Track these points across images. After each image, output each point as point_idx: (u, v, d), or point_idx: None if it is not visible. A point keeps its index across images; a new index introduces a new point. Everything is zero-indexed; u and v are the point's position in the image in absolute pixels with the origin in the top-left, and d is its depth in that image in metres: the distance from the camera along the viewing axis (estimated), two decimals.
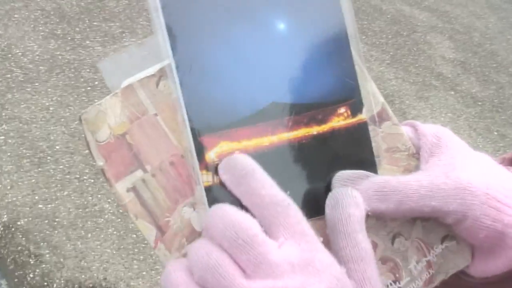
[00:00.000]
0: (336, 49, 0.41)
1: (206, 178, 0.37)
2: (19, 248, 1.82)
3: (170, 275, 0.34)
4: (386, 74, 3.41)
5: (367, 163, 0.41)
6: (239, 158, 0.36)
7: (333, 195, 0.38)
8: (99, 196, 2.07)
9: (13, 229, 1.87)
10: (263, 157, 0.37)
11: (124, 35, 2.86)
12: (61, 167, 2.12)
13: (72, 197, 2.04)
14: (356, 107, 0.41)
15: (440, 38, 3.93)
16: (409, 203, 0.38)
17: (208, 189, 0.37)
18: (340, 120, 0.40)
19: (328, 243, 0.37)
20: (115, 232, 1.98)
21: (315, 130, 0.40)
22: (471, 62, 3.78)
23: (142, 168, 0.38)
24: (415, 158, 0.42)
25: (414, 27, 3.95)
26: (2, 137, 2.15)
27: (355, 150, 0.41)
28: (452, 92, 3.44)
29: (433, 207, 0.38)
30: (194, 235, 0.38)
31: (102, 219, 2.01)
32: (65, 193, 2.04)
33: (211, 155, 0.37)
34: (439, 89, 3.43)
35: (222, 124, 0.38)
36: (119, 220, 2.02)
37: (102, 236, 1.95)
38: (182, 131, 0.38)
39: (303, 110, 0.40)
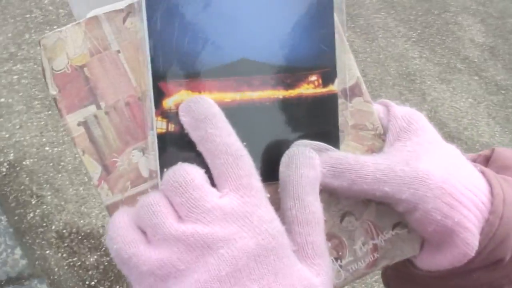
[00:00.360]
0: (317, 13, 0.39)
1: (161, 125, 0.36)
2: (22, 187, 1.84)
3: (114, 218, 0.35)
4: (410, 52, 3.34)
5: (330, 136, 0.39)
6: (201, 101, 0.35)
7: (289, 153, 0.37)
8: None
9: (18, 168, 1.90)
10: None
11: None
12: None
13: None
14: (328, 77, 0.39)
15: (472, 21, 3.83)
16: (362, 184, 0.37)
17: (160, 137, 0.36)
18: (309, 87, 0.39)
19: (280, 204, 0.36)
20: None
21: (281, 93, 0.38)
22: (500, 48, 3.68)
23: (96, 104, 0.37)
24: (381, 139, 0.41)
25: (446, 6, 3.85)
26: (16, 77, 2.16)
27: (320, 120, 0.39)
28: (476, 78, 3.37)
29: (386, 193, 0.37)
30: (139, 179, 0.37)
31: None
32: None
33: (168, 102, 0.36)
34: (463, 72, 3.36)
35: (185, 72, 0.36)
36: None
37: None
38: (143, 73, 0.37)
39: (273, 71, 0.38)
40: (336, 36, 0.39)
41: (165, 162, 0.36)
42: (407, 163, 0.38)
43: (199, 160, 0.35)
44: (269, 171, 0.37)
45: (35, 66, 2.22)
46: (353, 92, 0.40)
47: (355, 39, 3.22)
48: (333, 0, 0.39)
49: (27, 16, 2.40)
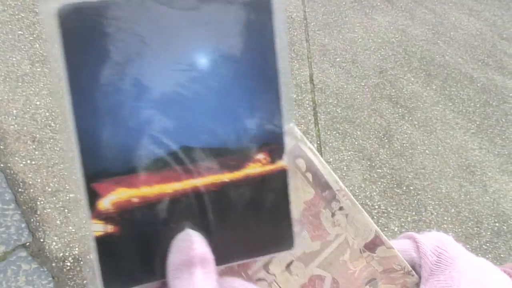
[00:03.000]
0: (260, 89, 0.37)
1: (97, 228, 0.34)
2: (85, 281, 1.90)
3: None
4: (470, 143, 3.31)
5: (281, 212, 0.38)
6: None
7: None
8: None
9: (82, 262, 1.97)
10: (164, 205, 0.35)
11: None
12: None
13: None
14: (276, 153, 0.37)
15: None
16: None
17: (99, 240, 0.34)
18: (256, 167, 0.37)
19: None
20: None
21: (226, 177, 0.36)
22: None
23: None
24: (411, 274, 0.44)
25: (504, 97, 3.83)
26: None
27: (270, 198, 0.37)
28: None
29: None
30: None
31: None
32: None
33: (104, 203, 0.34)
34: None
35: (120, 169, 0.34)
36: None
37: None
38: (73, 177, 0.34)
39: (216, 155, 0.36)
40: (346, 199, 0.42)
41: (106, 265, 0.34)
42: None
43: (142, 260, 0.35)
44: (222, 256, 0.36)
45: None
46: (374, 244, 0.43)
47: (413, 131, 3.23)
48: (278, 73, 0.37)
49: None
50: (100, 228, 0.34)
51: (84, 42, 0.33)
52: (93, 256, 0.34)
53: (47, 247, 1.99)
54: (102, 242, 0.34)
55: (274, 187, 0.37)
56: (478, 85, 3.87)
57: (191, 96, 0.35)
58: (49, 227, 2.06)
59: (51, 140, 2.37)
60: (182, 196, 0.35)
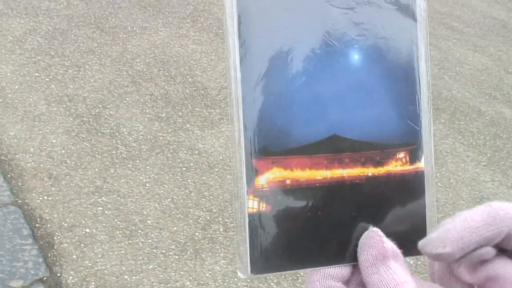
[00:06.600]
0: (404, 89, 0.39)
1: (252, 204, 0.36)
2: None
3: None
4: (482, 176, 3.31)
5: (417, 215, 0.39)
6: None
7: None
8: (182, 273, 2.14)
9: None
10: (314, 191, 0.37)
11: (222, 121, 3.04)
12: (149, 241, 2.23)
13: (156, 271, 2.12)
14: (415, 154, 0.39)
15: None
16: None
17: (252, 217, 0.36)
18: (397, 165, 0.39)
19: None
20: None
21: (370, 171, 0.38)
22: None
23: None
24: None
25: None
26: (100, 208, 2.31)
27: (407, 199, 0.39)
28: None
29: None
30: None
31: None
32: (150, 266, 2.13)
33: (261, 180, 0.36)
34: None
35: (278, 149, 0.36)
36: None
37: None
38: (235, 151, 0.36)
39: (362, 148, 0.38)
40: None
41: (255, 242, 0.36)
42: None
43: (289, 241, 0.36)
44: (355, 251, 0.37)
45: (118, 198, 2.38)
46: None
47: None
48: (419, 79, 0.39)
49: (113, 152, 2.61)
50: (255, 205, 0.36)
51: (257, 34, 0.36)
52: (243, 232, 0.36)
53: (63, 282, 2.00)
54: (255, 219, 0.36)
55: (411, 188, 0.39)
56: (487, 118, 3.89)
57: (345, 91, 0.38)
58: (65, 261, 2.07)
59: (67, 177, 2.41)
60: (329, 183, 0.37)
